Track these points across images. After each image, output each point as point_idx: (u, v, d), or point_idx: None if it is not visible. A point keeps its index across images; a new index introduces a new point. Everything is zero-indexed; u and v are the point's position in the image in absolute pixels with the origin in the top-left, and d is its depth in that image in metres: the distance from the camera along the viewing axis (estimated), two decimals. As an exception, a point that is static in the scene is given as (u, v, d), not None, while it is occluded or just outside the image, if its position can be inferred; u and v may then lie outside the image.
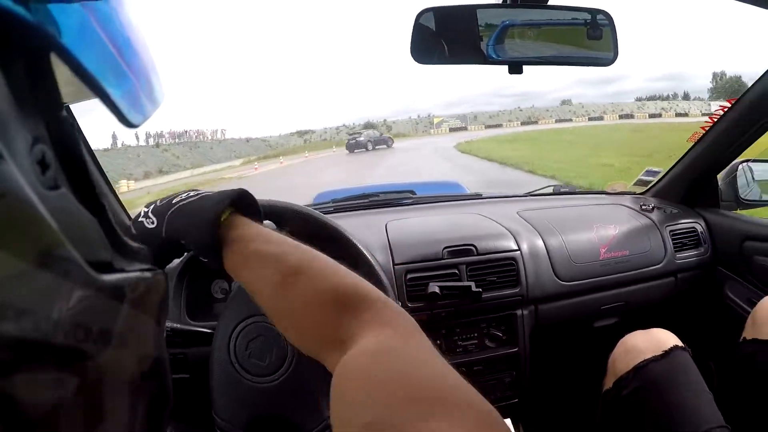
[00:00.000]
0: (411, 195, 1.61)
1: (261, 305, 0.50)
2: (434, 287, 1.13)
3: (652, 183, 1.71)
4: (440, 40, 0.96)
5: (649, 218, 1.47)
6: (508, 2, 0.95)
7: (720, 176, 1.60)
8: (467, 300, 1.16)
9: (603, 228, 1.39)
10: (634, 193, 1.74)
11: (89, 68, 0.23)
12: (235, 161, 46.39)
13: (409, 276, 1.17)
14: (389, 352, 0.38)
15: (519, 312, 1.26)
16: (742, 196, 1.60)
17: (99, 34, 0.25)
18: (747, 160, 1.61)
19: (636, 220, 1.46)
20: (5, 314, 0.17)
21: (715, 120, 1.45)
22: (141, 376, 0.28)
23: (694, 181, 1.59)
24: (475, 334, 1.25)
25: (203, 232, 0.50)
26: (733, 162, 1.57)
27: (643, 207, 1.53)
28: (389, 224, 1.32)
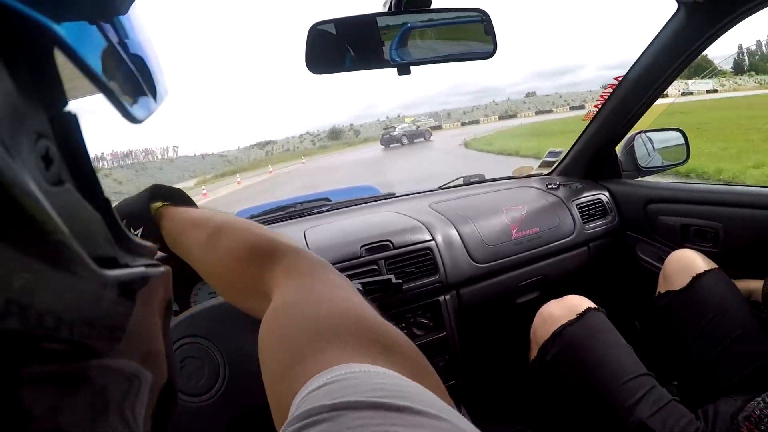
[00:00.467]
0: (327, 202, 1.67)
1: (195, 268, 0.56)
2: (356, 284, 1.18)
3: (556, 162, 1.82)
4: (343, 48, 1.02)
5: (556, 195, 1.58)
6: (392, 9, 1.01)
7: (618, 149, 1.72)
8: (390, 292, 1.22)
9: (512, 209, 1.48)
10: (541, 174, 1.85)
11: (92, 64, 0.23)
12: (189, 181, 44.34)
13: None
14: (297, 303, 0.41)
15: (441, 298, 1.32)
16: (641, 164, 1.74)
17: (104, 28, 0.25)
18: (640, 132, 1.75)
19: (543, 199, 1.56)
20: (9, 310, 0.17)
21: (606, 98, 1.58)
22: (145, 371, 0.28)
23: (595, 156, 1.71)
24: (403, 325, 1.30)
25: (142, 214, 0.61)
26: (629, 134, 1.70)
27: (549, 186, 1.64)
28: (307, 232, 1.37)
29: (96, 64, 0.23)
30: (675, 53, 1.32)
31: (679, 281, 1.15)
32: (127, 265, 0.27)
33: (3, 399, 0.17)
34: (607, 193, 1.64)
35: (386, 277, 1.20)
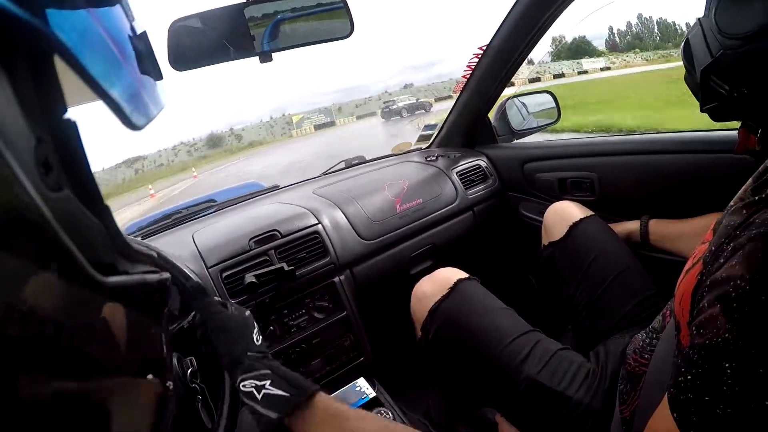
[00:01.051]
0: (212, 203, 1.66)
1: None
2: (250, 278, 1.19)
3: (434, 136, 1.91)
4: (210, 41, 1.02)
5: (436, 166, 1.66)
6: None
7: (492, 116, 1.83)
8: (285, 281, 1.24)
9: (394, 185, 1.54)
10: (420, 149, 1.94)
11: (93, 71, 0.23)
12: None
13: (224, 275, 1.22)
14: None
15: (336, 279, 1.36)
16: (515, 128, 1.85)
17: (103, 37, 0.25)
18: (510, 97, 1.86)
19: (424, 171, 1.64)
20: (10, 316, 0.17)
21: (473, 68, 1.67)
22: (144, 376, 0.28)
23: (469, 125, 1.81)
24: (303, 311, 1.32)
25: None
26: (500, 101, 1.81)
27: (428, 158, 1.72)
28: (195, 234, 1.36)
29: (97, 71, 0.23)
30: (533, 19, 1.41)
31: (558, 231, 1.23)
32: (126, 272, 0.27)
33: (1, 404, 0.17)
34: (485, 159, 1.74)
35: (278, 266, 1.22)
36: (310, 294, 1.34)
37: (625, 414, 0.81)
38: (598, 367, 0.92)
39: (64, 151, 0.23)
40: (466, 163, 1.70)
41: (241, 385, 0.68)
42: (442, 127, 1.88)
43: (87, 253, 0.22)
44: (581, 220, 1.22)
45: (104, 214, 0.26)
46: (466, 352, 0.99)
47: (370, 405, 1.34)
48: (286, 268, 1.21)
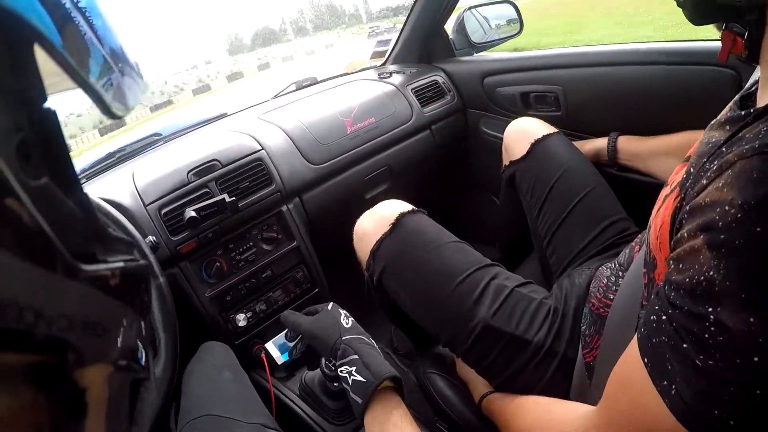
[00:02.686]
0: (157, 137, 1.54)
1: None
2: (190, 212, 1.09)
3: (388, 52, 1.77)
4: None
5: (390, 83, 1.53)
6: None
7: (449, 28, 1.70)
8: (227, 213, 1.15)
9: (344, 104, 1.42)
10: (374, 66, 1.80)
11: (72, 59, 0.23)
12: None
13: (163, 211, 1.12)
14: None
15: (284, 207, 1.26)
16: (474, 40, 1.73)
17: (82, 24, 0.25)
18: (470, 8, 1.72)
19: (377, 89, 1.51)
20: None
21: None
22: (125, 367, 0.28)
23: (425, 39, 1.67)
24: (251, 243, 1.24)
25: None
26: (458, 12, 1.67)
27: (382, 76, 1.59)
28: (135, 173, 1.25)
29: (76, 59, 0.23)
30: None
31: (520, 150, 1.14)
32: (106, 260, 0.27)
33: None
34: (442, 74, 1.62)
35: (219, 198, 1.12)
36: (257, 225, 1.25)
37: (588, 359, 0.75)
38: (560, 304, 0.84)
39: (44, 140, 0.24)
40: (422, 80, 1.58)
41: (339, 371, 0.74)
42: (396, 42, 1.74)
43: (66, 241, 0.22)
44: (544, 137, 1.13)
45: (84, 203, 0.27)
46: (414, 296, 0.91)
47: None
48: (228, 199, 1.12)
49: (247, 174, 1.21)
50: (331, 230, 1.39)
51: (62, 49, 0.22)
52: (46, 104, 0.24)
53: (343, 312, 0.84)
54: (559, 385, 0.78)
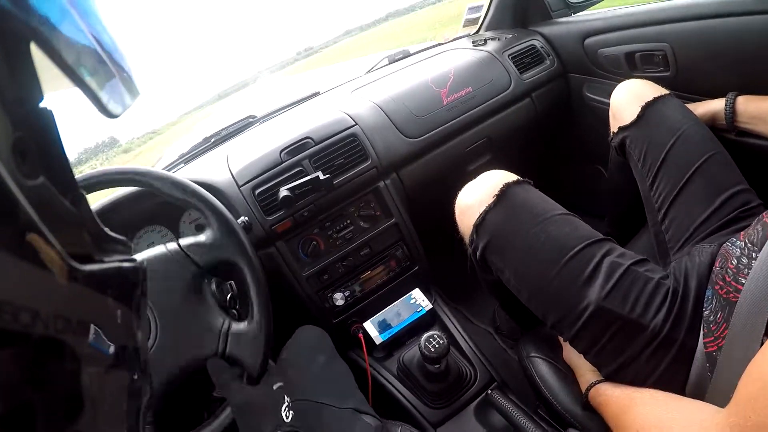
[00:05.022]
0: (252, 119, 1.54)
1: None
2: (284, 191, 1.09)
3: (480, 18, 1.67)
4: None
5: (485, 50, 1.44)
6: None
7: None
8: (322, 191, 1.12)
9: (438, 75, 1.35)
10: (468, 35, 1.71)
11: (69, 58, 0.23)
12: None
13: (257, 192, 1.12)
14: None
15: (381, 183, 1.22)
16: (570, 0, 1.59)
17: (78, 23, 0.25)
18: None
19: (472, 57, 1.43)
20: None
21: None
22: (120, 366, 0.28)
23: (518, 1, 1.56)
24: (348, 221, 1.21)
25: None
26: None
27: (476, 43, 1.50)
28: (229, 155, 1.27)
29: (73, 58, 0.23)
30: None
31: (629, 114, 1.03)
32: (101, 261, 0.27)
33: None
34: (539, 38, 1.51)
35: (313, 175, 1.10)
36: (354, 202, 1.22)
37: (710, 348, 0.66)
38: (680, 284, 0.74)
39: (41, 139, 0.24)
40: (518, 45, 1.47)
41: None
42: (489, 7, 1.64)
43: (62, 241, 0.22)
44: (655, 99, 1.00)
45: (80, 203, 0.27)
46: (520, 273, 0.83)
47: (428, 318, 1.25)
48: (322, 176, 1.09)
49: (341, 150, 1.18)
50: (431, 205, 1.33)
51: (58, 48, 0.22)
52: (43, 103, 0.24)
53: (287, 400, 0.75)
54: (676, 376, 0.70)
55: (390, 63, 1.66)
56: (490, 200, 0.87)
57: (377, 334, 1.22)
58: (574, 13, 1.58)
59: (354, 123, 1.21)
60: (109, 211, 1.04)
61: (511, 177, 0.91)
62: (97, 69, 0.26)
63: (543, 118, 1.47)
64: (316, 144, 1.17)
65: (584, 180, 1.67)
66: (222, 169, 1.20)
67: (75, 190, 0.27)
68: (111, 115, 0.27)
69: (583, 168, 1.65)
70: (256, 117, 1.54)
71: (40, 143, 0.23)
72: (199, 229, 1.11)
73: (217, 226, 0.79)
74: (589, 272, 0.75)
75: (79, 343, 0.23)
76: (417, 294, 1.27)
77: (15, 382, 0.18)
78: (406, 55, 1.68)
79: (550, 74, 1.47)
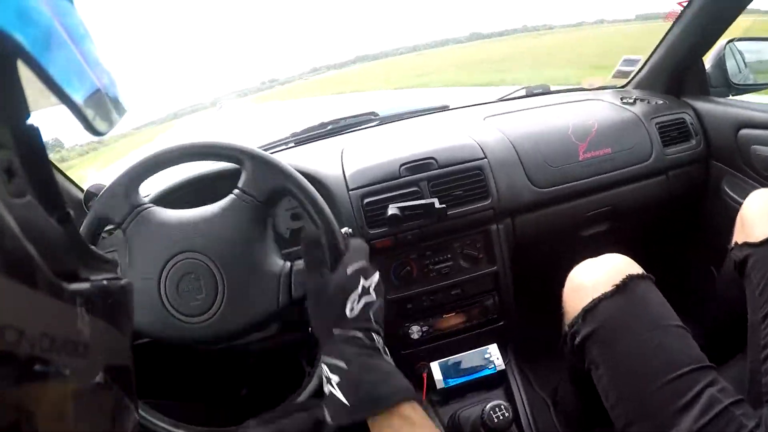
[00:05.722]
0: (373, 116, 1.47)
1: None
2: (393, 209, 1.01)
3: (633, 73, 1.56)
4: None
5: (632, 111, 1.33)
6: None
7: (707, 59, 1.45)
8: (433, 219, 1.04)
9: (581, 126, 1.24)
10: (615, 87, 1.59)
11: (55, 76, 0.23)
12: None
13: (366, 201, 1.05)
14: None
15: (494, 227, 1.13)
16: (733, 80, 1.46)
17: (66, 41, 0.25)
18: (732, 40, 1.46)
19: (617, 115, 1.32)
20: None
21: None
22: (105, 386, 0.27)
23: (678, 68, 1.43)
24: (449, 255, 1.13)
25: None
26: (720, 42, 1.42)
27: (624, 100, 1.38)
28: (345, 149, 1.21)
29: (59, 76, 0.23)
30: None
31: (761, 230, 0.89)
32: (88, 279, 0.27)
33: None
34: (692, 112, 1.38)
35: (429, 201, 1.03)
36: (461, 239, 1.14)
37: None
38: None
39: (27, 157, 0.24)
40: (668, 114, 1.34)
41: (321, 364, 0.59)
42: (644, 65, 1.51)
43: (49, 259, 0.22)
44: None
45: (67, 221, 0.27)
46: (616, 374, 0.78)
47: (496, 378, 1.17)
48: (437, 205, 1.01)
49: (463, 181, 1.10)
50: (535, 259, 1.24)
51: (45, 65, 0.22)
52: (30, 120, 0.24)
53: (362, 284, 0.63)
54: None
55: (527, 95, 1.56)
56: (608, 288, 0.80)
57: (441, 378, 1.15)
58: (734, 95, 1.45)
59: (483, 156, 1.12)
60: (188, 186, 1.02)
61: (635, 268, 0.84)
62: (83, 86, 0.26)
63: (673, 200, 1.35)
64: (439, 167, 1.09)
65: (694, 278, 1.54)
66: (335, 163, 1.14)
67: (62, 208, 0.27)
68: (97, 133, 0.27)
69: (698, 263, 1.52)
70: (378, 115, 1.47)
71: (27, 161, 0.23)
72: (295, 218, 1.05)
73: (251, 163, 0.76)
74: (688, 399, 0.69)
75: (65, 362, 0.22)
76: (493, 350, 1.19)
77: (0, 401, 0.18)
78: (546, 91, 1.58)
79: (693, 156, 1.34)
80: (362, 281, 0.63)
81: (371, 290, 0.64)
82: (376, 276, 0.66)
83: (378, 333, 0.62)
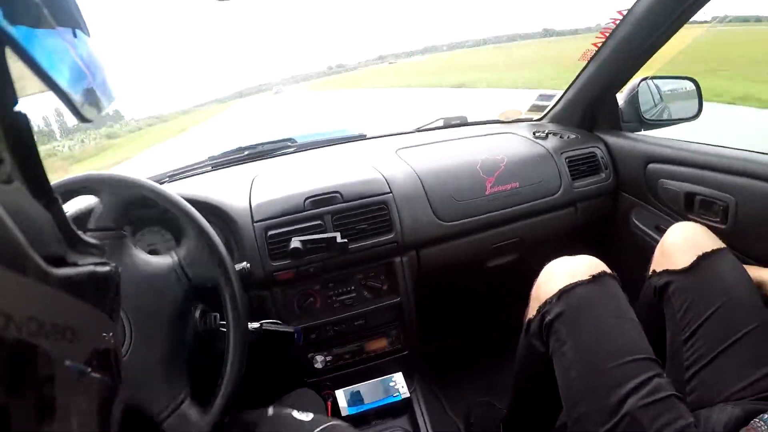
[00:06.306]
0: (291, 143, 1.48)
1: None
2: (296, 242, 1.02)
3: (548, 108, 1.60)
4: None
5: (543, 146, 1.37)
6: None
7: (620, 95, 1.50)
8: (334, 252, 1.06)
9: (490, 160, 1.27)
10: (530, 120, 1.63)
11: (43, 62, 0.23)
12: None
13: (270, 233, 1.06)
14: None
15: (397, 259, 1.15)
16: (645, 116, 1.51)
17: (54, 29, 0.25)
18: (647, 78, 1.51)
19: (528, 149, 1.35)
20: None
21: (607, 35, 1.34)
22: (92, 370, 0.27)
23: (592, 103, 1.48)
24: (352, 287, 1.15)
25: None
26: (633, 80, 1.47)
27: (537, 134, 1.42)
28: (256, 178, 1.21)
29: (47, 63, 0.24)
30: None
31: (682, 259, 0.96)
32: (75, 264, 0.28)
33: None
34: (602, 146, 1.43)
35: (330, 235, 1.04)
36: (363, 270, 1.15)
37: None
38: None
39: (15, 144, 0.24)
40: (579, 149, 1.39)
41: None
42: (559, 100, 1.56)
43: (36, 245, 0.22)
44: (713, 251, 0.94)
45: (54, 206, 0.27)
46: (578, 351, 0.84)
47: (400, 405, 1.19)
48: (339, 239, 1.03)
49: (366, 216, 1.11)
50: (440, 288, 1.27)
51: (33, 53, 0.22)
52: (17, 107, 0.24)
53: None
54: None
55: (444, 126, 1.59)
56: (585, 276, 0.88)
57: (345, 405, 1.17)
58: (645, 130, 1.51)
59: (389, 190, 1.14)
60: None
61: (607, 268, 0.92)
62: (71, 74, 0.26)
63: (582, 230, 1.39)
64: (344, 201, 1.11)
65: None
66: (243, 194, 1.14)
67: (49, 193, 0.27)
68: (85, 120, 0.27)
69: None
70: (295, 142, 1.48)
71: (14, 148, 0.23)
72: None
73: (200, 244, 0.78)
74: (639, 381, 0.76)
75: (52, 346, 0.22)
76: (398, 378, 1.21)
77: None
78: (464, 123, 1.61)
79: (602, 188, 1.39)
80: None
81: None
82: None
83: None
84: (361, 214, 1.11)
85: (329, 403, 1.16)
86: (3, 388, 0.19)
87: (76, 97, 0.26)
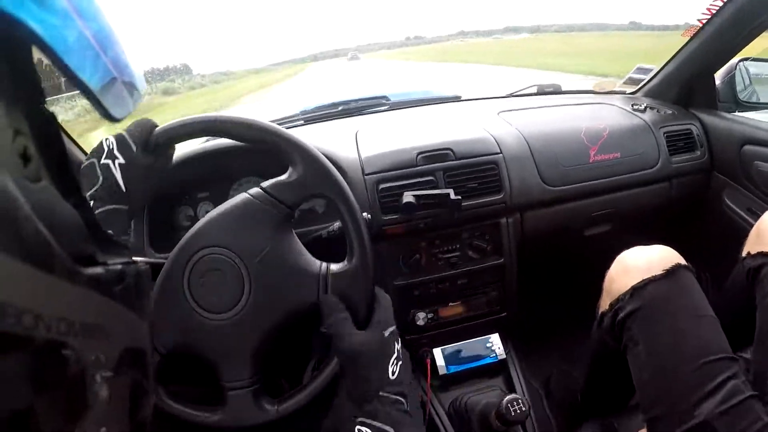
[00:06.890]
0: (385, 101, 1.49)
1: None
2: (409, 197, 1.03)
3: (644, 82, 1.59)
4: None
5: (642, 118, 1.36)
6: None
7: (718, 75, 1.49)
8: (446, 209, 1.07)
9: (593, 128, 1.27)
10: (624, 93, 1.63)
11: (70, 63, 0.23)
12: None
13: (381, 186, 1.07)
14: None
15: (503, 220, 1.16)
16: (741, 97, 1.50)
17: (80, 27, 0.25)
18: (745, 59, 1.50)
19: (628, 120, 1.35)
20: None
21: (714, 12, 1.33)
22: (122, 369, 0.28)
23: (690, 80, 1.47)
24: (457, 246, 1.16)
25: None
26: (732, 60, 1.46)
27: (635, 107, 1.42)
28: (359, 132, 1.22)
29: (74, 62, 0.23)
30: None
31: None
32: (105, 263, 0.27)
33: None
34: (699, 125, 1.42)
35: (444, 191, 1.05)
36: (470, 230, 1.17)
37: None
38: None
39: (43, 142, 0.24)
40: (677, 125, 1.38)
41: (357, 422, 0.57)
42: (656, 74, 1.55)
43: (65, 243, 0.22)
44: None
45: (83, 205, 0.27)
46: (652, 354, 0.82)
47: (496, 367, 1.21)
48: (453, 195, 1.03)
49: (478, 174, 1.12)
50: (541, 253, 1.27)
51: (60, 52, 0.22)
52: (45, 105, 0.24)
53: (397, 348, 0.65)
54: None
55: (539, 93, 1.59)
56: (658, 271, 0.85)
57: (443, 364, 1.19)
58: (740, 112, 1.50)
59: (499, 150, 1.15)
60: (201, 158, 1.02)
61: (682, 259, 0.89)
62: (99, 73, 0.26)
63: (674, 206, 1.39)
64: (456, 159, 1.12)
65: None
66: (350, 146, 1.15)
67: (77, 191, 0.27)
68: (113, 119, 0.28)
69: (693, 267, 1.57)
70: (389, 100, 1.49)
71: (42, 146, 0.24)
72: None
73: (303, 164, 0.69)
74: (714, 385, 0.74)
75: (82, 346, 0.23)
76: (495, 339, 1.22)
77: (17, 385, 0.19)
78: (557, 91, 1.61)
79: (696, 166, 1.38)
80: (397, 345, 0.65)
81: (401, 353, 0.65)
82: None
83: (407, 397, 0.62)
84: (472, 173, 1.11)
85: (428, 361, 1.18)
86: (32, 388, 0.19)
87: (105, 97, 0.26)
